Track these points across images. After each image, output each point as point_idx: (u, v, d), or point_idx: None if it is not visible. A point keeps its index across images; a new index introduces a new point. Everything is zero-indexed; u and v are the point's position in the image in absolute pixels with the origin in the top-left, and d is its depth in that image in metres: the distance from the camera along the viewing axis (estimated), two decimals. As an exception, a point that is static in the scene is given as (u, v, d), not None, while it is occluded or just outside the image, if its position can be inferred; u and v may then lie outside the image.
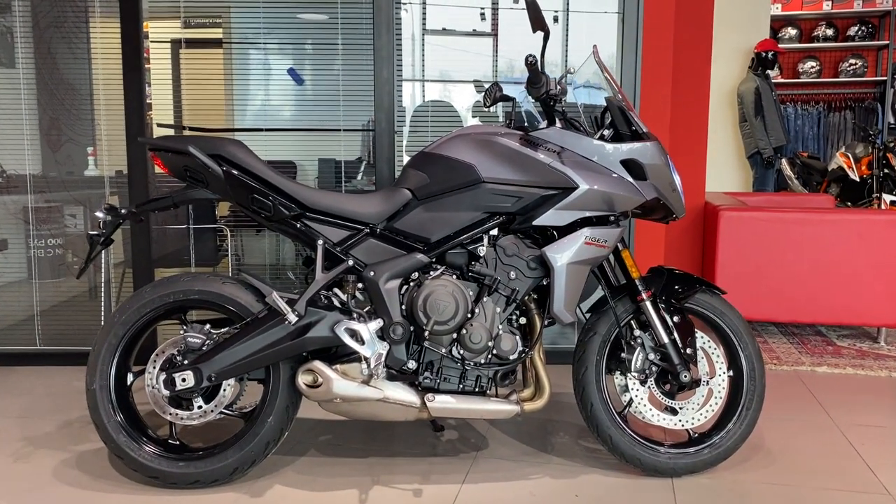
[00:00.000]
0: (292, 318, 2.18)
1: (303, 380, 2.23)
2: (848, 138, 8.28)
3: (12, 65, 3.78)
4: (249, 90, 3.93)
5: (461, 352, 2.27)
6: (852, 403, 3.08)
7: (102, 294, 3.75)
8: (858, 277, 3.87)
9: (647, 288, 2.37)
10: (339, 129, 3.53)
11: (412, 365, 2.27)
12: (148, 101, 4.24)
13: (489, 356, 2.29)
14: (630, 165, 2.29)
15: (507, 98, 2.41)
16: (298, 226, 2.30)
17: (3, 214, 3.76)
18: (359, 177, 3.90)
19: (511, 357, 2.28)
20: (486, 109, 3.08)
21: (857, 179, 6.94)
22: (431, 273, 2.30)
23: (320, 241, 2.28)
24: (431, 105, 3.76)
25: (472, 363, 2.28)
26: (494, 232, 2.33)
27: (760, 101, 6.67)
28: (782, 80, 8.29)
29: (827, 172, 7.30)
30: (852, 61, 8.24)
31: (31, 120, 3.70)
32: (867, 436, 2.73)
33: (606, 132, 2.35)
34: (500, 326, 2.28)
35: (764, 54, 6.70)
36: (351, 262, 2.28)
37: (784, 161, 7.44)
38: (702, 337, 2.41)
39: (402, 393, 2.26)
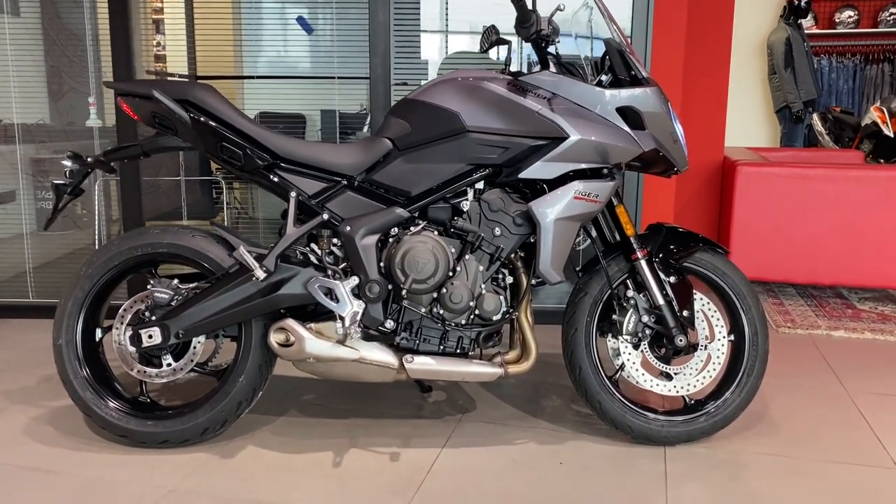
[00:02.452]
0: (260, 274, 2.07)
1: (275, 338, 2.13)
2: (885, 92, 7.90)
3: (17, 13, 3.67)
4: (258, 38, 3.76)
5: (441, 312, 2.15)
6: (867, 370, 2.91)
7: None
8: (883, 238, 3.66)
9: (643, 246, 2.21)
10: (334, 77, 3.38)
11: (390, 325, 2.16)
12: (161, 51, 4.13)
13: (471, 316, 2.17)
14: (627, 114, 2.12)
15: (503, 42, 2.24)
16: (272, 177, 2.17)
17: (8, 166, 3.68)
18: (364, 129, 3.76)
19: (494, 318, 2.15)
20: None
21: (892, 135, 6.63)
22: (412, 228, 2.17)
23: (293, 193, 2.15)
24: (458, 56, 3.56)
25: (452, 324, 2.15)
26: (480, 185, 2.18)
27: (791, 52, 6.37)
28: (817, 31, 7.91)
29: (860, 128, 6.98)
30: (893, 10, 7.82)
31: (38, 69, 3.61)
32: (879, 405, 2.57)
33: (605, 77, 2.18)
34: (484, 286, 2.15)
35: (796, 2, 6.37)
36: (326, 216, 2.16)
37: (815, 116, 7.13)
38: (701, 299, 2.25)
39: (379, 353, 2.15)
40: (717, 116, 4.30)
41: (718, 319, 2.26)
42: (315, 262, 2.17)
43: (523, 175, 2.10)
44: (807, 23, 6.63)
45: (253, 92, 3.74)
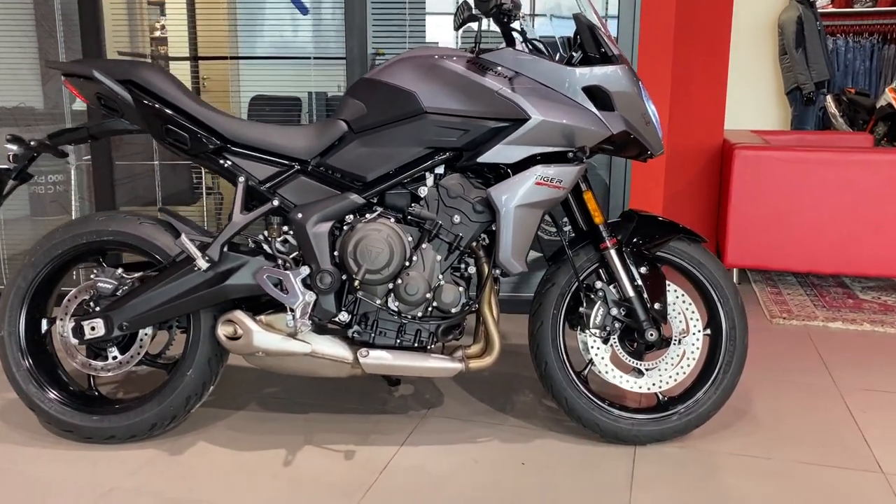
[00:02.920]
0: (202, 263, 1.97)
1: (223, 331, 2.04)
2: (903, 73, 7.64)
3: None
4: (251, 19, 3.63)
5: (396, 304, 2.04)
6: (862, 364, 2.77)
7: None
8: (887, 225, 3.50)
9: (613, 235, 2.09)
10: (310, 58, 3.26)
11: (345, 317, 2.05)
12: (162, 33, 4.03)
13: (429, 309, 2.06)
14: (595, 94, 1.99)
15: (474, 18, 2.12)
16: (221, 161, 2.07)
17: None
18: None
19: (453, 310, 2.04)
20: (456, 31, 2.77)
21: (907, 117, 6.40)
22: (367, 216, 2.06)
23: (241, 178, 2.05)
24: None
25: (409, 316, 2.05)
26: (441, 170, 2.07)
27: (802, 32, 6.16)
28: (832, 10, 7.65)
29: (875, 110, 6.75)
30: (912, -12, 7.54)
31: (31, 50, 3.53)
32: (871, 402, 2.44)
33: (575, 55, 2.05)
34: (442, 276, 2.04)
35: (808, -21, 6.15)
36: (277, 203, 2.05)
37: (829, 98, 6.90)
38: (675, 291, 2.13)
39: (332, 347, 2.05)
40: (716, 97, 4.14)
41: (693, 312, 2.13)
42: (267, 250, 2.07)
43: (482, 159, 1.98)
44: (822, 1, 6.40)
45: (249, 74, 3.63)
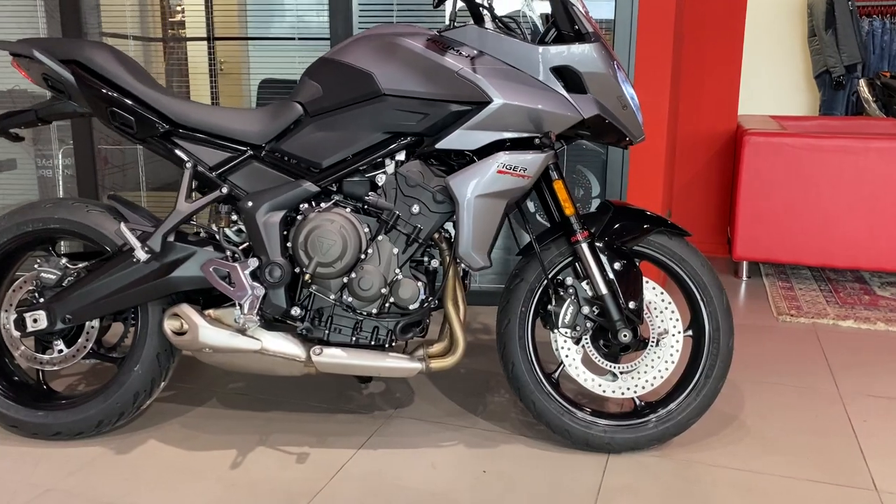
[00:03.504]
0: (141, 255, 1.87)
1: (169, 325, 1.93)
2: (942, 56, 7.28)
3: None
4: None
5: (350, 299, 1.92)
6: (869, 367, 2.58)
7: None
8: (907, 216, 3.29)
9: (585, 227, 1.94)
10: (294, 38, 3.14)
11: (298, 312, 1.93)
12: (182, 16, 3.93)
13: (386, 305, 1.93)
14: (566, 74, 1.84)
15: None
16: (169, 146, 1.96)
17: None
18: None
19: (411, 307, 1.91)
20: (437, 8, 2.62)
21: (943, 103, 6.08)
22: (323, 205, 1.94)
23: (188, 164, 1.94)
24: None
25: (365, 312, 1.92)
26: (402, 157, 1.93)
27: (833, 12, 5.87)
28: (869, -10, 7.31)
29: (910, 95, 6.43)
30: (954, -34, 7.16)
31: (33, 33, 3.46)
32: (873, 410, 2.26)
33: (551, 33, 1.90)
34: (400, 270, 1.91)
35: (839, -43, 5.85)
36: (226, 190, 1.94)
37: (862, 81, 6.59)
38: (654, 288, 1.97)
39: (283, 344, 1.93)
40: (730, 81, 3.94)
41: (674, 312, 1.97)
42: (217, 241, 1.96)
43: (441, 145, 1.84)
44: (855, -21, 6.09)
45: (258, 57, 3.49)
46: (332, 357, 1.92)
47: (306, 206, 1.94)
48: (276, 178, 1.95)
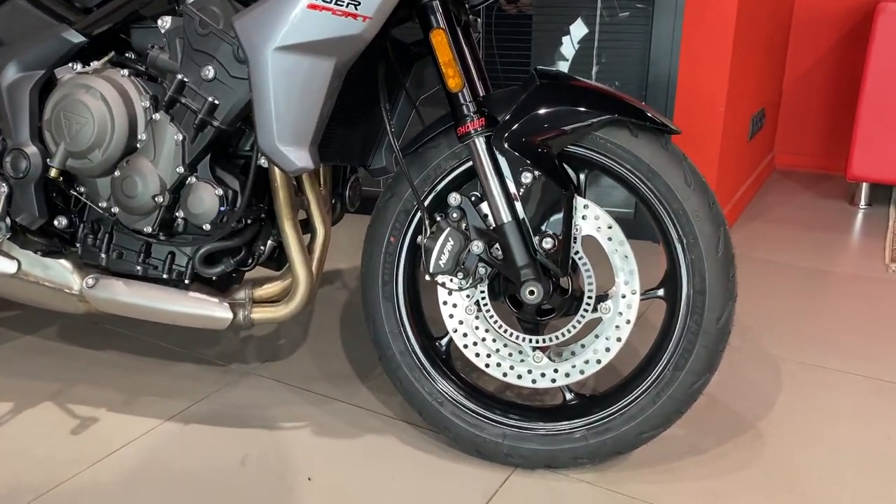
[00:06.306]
0: None
1: None
2: None
3: None
4: None
5: (116, 209, 1.29)
6: None
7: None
8: None
9: (482, 112, 1.18)
10: None
11: (62, 223, 1.34)
12: None
13: (177, 221, 1.29)
14: None
15: None
16: None
17: None
18: None
19: (206, 226, 1.25)
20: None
21: None
22: (93, 63, 1.30)
23: None
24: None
25: (144, 231, 1.29)
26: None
27: None
28: None
29: None
30: None
31: None
32: None
33: None
34: (188, 169, 1.24)
35: None
36: (-34, 42, 1.34)
37: None
38: (597, 218, 1.19)
39: (51, 270, 1.36)
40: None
41: (627, 258, 1.19)
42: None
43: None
44: None
45: None
46: (108, 290, 1.32)
47: (79, 66, 1.31)
48: (39, 21, 1.33)
